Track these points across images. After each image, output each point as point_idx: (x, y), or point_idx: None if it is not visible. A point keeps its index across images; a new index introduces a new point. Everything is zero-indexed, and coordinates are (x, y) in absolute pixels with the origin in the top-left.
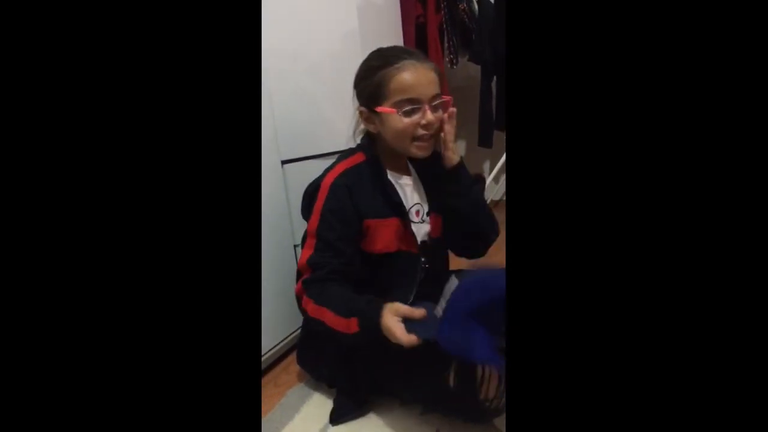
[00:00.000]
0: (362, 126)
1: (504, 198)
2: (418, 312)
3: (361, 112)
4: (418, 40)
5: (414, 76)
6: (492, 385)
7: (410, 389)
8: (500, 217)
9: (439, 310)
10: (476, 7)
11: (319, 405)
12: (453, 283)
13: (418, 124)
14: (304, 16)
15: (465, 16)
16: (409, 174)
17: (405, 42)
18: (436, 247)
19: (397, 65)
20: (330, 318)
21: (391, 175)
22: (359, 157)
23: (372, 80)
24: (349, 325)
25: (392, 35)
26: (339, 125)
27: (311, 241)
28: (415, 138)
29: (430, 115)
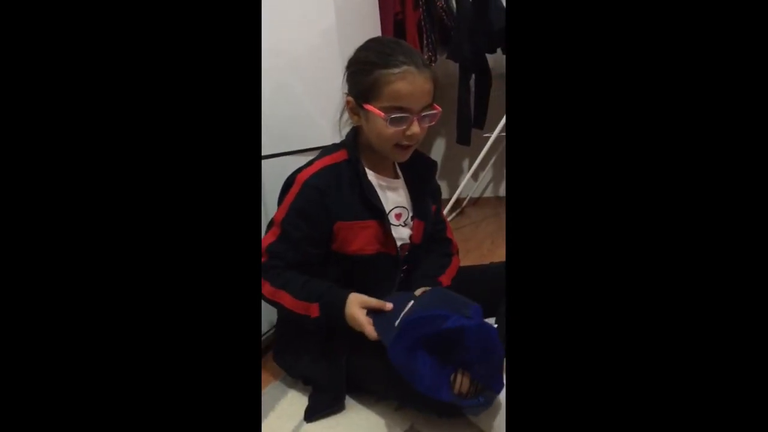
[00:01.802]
0: (346, 119)
1: (483, 195)
2: (387, 305)
3: (348, 101)
4: (396, 36)
5: (411, 88)
6: (465, 380)
7: (386, 385)
8: (479, 214)
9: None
10: (454, 4)
11: (295, 402)
12: (409, 303)
13: (402, 134)
14: (281, 11)
15: (443, 14)
16: (394, 176)
17: None
18: (417, 252)
19: (396, 71)
20: (288, 301)
21: (373, 176)
22: (341, 155)
23: (367, 77)
24: (309, 309)
25: (371, 31)
26: (318, 121)
27: (275, 230)
28: (397, 145)
29: (416, 128)
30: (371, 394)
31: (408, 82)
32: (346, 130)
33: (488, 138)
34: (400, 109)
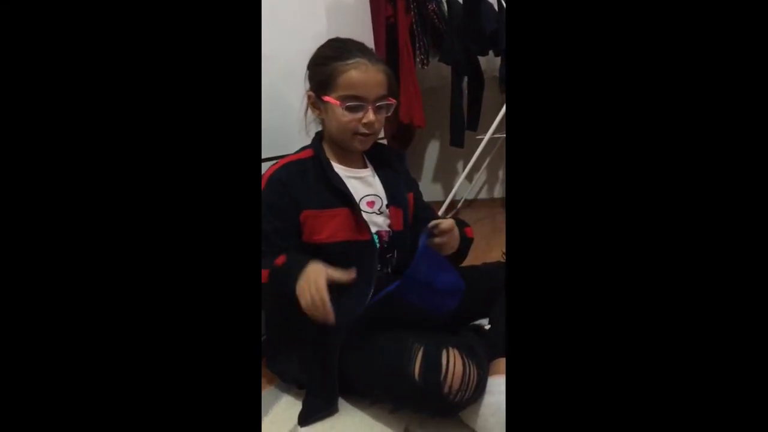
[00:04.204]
0: (311, 116)
1: (477, 197)
2: (347, 276)
3: (309, 96)
4: (388, 41)
5: (363, 76)
6: (456, 378)
7: (379, 387)
8: (474, 216)
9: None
10: (445, 8)
11: (288, 407)
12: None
13: (359, 121)
14: (272, 16)
15: (435, 17)
16: (363, 167)
17: (376, 43)
18: (399, 239)
19: (349, 61)
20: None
21: (339, 168)
22: (307, 153)
23: (323, 69)
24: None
25: (362, 36)
26: (310, 126)
27: None
28: (356, 133)
29: (371, 116)
30: (365, 397)
31: (360, 71)
32: (312, 129)
33: (482, 140)
34: (355, 98)
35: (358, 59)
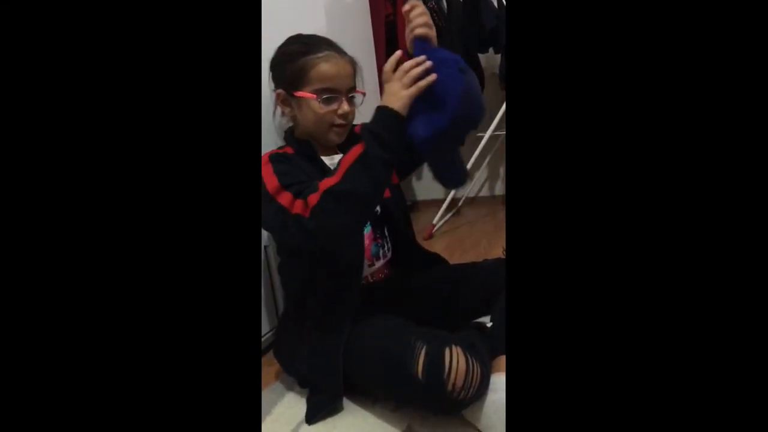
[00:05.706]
0: (281, 117)
1: (478, 195)
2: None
3: (278, 95)
4: (388, 39)
5: (335, 68)
6: (459, 376)
7: (381, 385)
8: (475, 214)
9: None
10: (445, 5)
11: (291, 405)
12: None
13: (335, 113)
14: (270, 12)
15: (434, 15)
16: (339, 153)
17: (375, 41)
18: (389, 217)
19: (319, 54)
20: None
21: (323, 158)
22: (287, 150)
23: (293, 65)
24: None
25: (361, 33)
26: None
27: (284, 195)
28: (333, 125)
29: (346, 106)
30: (368, 396)
31: (332, 64)
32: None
33: (482, 137)
34: (330, 90)
35: (327, 52)
